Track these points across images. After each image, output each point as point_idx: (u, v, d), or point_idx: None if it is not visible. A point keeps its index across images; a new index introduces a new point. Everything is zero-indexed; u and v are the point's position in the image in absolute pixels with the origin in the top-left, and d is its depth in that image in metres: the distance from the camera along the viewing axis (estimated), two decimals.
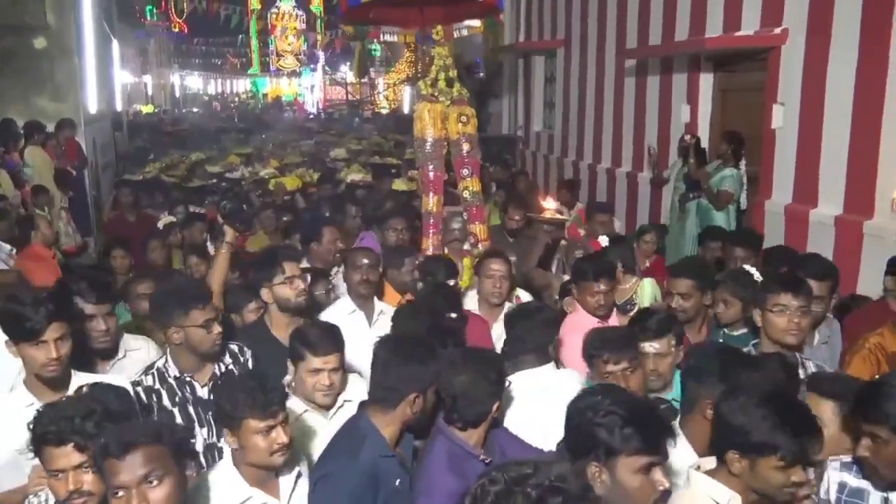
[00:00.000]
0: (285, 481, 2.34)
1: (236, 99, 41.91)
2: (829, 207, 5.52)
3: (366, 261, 3.83)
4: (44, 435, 2.06)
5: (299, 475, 2.39)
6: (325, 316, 3.67)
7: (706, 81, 7.30)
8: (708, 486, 2.09)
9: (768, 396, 2.07)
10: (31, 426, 2.10)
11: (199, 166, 10.67)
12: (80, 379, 2.63)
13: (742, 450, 2.03)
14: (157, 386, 2.81)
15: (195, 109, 34.72)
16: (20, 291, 2.81)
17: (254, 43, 38.44)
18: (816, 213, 5.64)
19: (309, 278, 3.57)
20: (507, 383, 2.60)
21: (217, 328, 2.82)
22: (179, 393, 2.82)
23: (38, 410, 2.17)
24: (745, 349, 3.03)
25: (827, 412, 2.41)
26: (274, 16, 37.23)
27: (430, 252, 4.52)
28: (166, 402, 2.80)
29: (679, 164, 6.90)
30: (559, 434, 2.08)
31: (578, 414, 1.98)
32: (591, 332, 2.91)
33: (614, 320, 3.81)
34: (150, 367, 2.87)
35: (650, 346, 2.88)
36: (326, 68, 38.69)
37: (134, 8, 26.66)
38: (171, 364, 2.85)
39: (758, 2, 6.27)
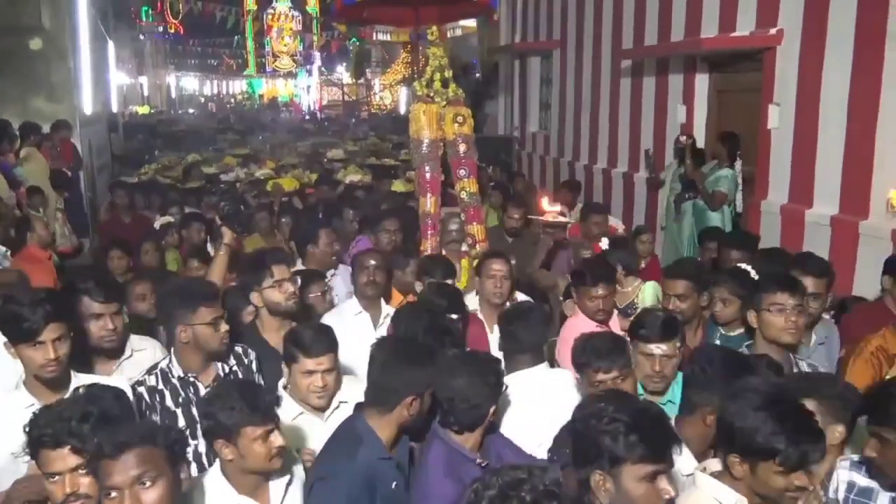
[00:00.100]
0: (276, 487, 2.33)
1: (232, 100, 41.84)
2: (824, 208, 5.53)
3: (373, 262, 3.82)
4: (40, 438, 2.05)
5: (290, 480, 2.38)
6: (331, 317, 3.66)
7: (702, 82, 7.32)
8: (714, 489, 2.07)
9: (770, 400, 2.04)
10: (27, 429, 2.08)
11: (195, 167, 10.62)
12: (80, 380, 2.60)
13: (743, 453, 2.01)
14: (161, 386, 2.79)
15: (191, 110, 34.64)
16: (18, 291, 2.78)
17: (250, 44, 38.30)
18: (812, 213, 5.65)
19: (299, 281, 3.54)
20: (504, 387, 2.59)
21: (224, 326, 2.81)
22: (183, 394, 2.81)
23: (33, 413, 2.15)
24: (739, 350, 3.03)
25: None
26: (270, 17, 37.15)
27: (428, 253, 4.51)
28: (169, 402, 2.78)
29: (675, 164, 6.91)
30: (553, 434, 2.07)
31: (582, 421, 1.95)
32: (579, 340, 2.80)
33: (615, 324, 3.78)
34: (154, 367, 2.85)
35: (657, 348, 2.83)
36: (322, 69, 38.66)
37: (130, 9, 26.59)
38: (175, 364, 2.83)
39: (753, 3, 6.28)
